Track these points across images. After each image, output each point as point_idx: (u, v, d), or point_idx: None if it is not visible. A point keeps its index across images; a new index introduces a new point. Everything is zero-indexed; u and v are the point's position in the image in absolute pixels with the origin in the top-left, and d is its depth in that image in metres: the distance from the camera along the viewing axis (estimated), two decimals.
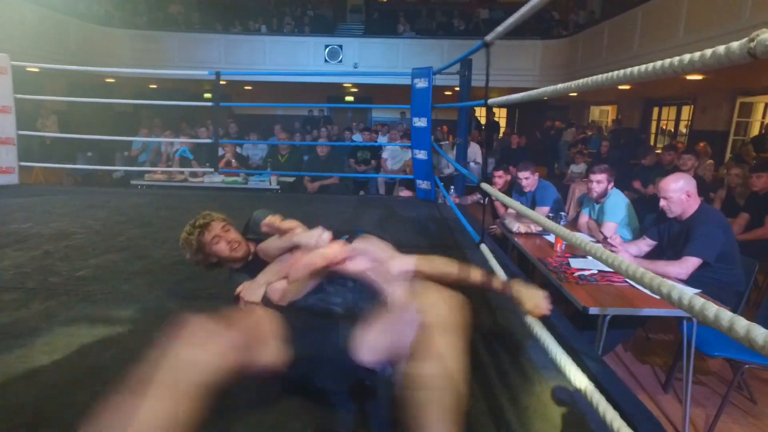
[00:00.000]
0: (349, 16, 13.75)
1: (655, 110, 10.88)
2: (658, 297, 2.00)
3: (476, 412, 1.27)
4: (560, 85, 1.53)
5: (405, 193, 4.89)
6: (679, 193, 2.39)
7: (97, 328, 1.62)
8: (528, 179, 3.69)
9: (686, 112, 10.16)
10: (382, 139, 8.55)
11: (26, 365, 1.37)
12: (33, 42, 7.88)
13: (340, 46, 10.44)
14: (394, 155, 7.04)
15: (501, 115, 15.02)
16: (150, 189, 4.78)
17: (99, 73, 9.77)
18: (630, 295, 2.11)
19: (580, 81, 1.36)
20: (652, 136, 10.76)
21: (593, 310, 1.96)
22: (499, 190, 4.01)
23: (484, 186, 2.29)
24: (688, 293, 0.80)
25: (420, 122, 4.26)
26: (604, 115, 13.40)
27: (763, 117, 8.71)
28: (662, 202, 2.47)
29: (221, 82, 11.73)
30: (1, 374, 1.32)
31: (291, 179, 5.33)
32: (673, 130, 10.49)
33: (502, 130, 12.93)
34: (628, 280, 2.27)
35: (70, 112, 9.13)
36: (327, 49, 10.33)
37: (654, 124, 10.98)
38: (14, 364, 1.38)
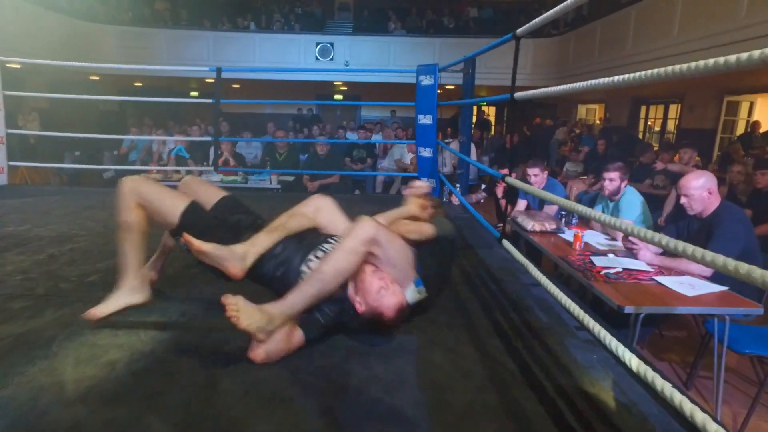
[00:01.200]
0: (337, 14, 13.63)
1: (643, 109, 11.02)
2: (690, 294, 1.97)
3: (535, 416, 1.22)
4: (584, 83, 1.51)
5: (407, 191, 4.81)
6: (700, 190, 2.37)
7: (119, 337, 1.53)
8: (537, 176, 3.67)
9: (674, 110, 10.31)
10: (376, 138, 8.49)
11: (52, 378, 1.27)
12: (13, 37, 7.61)
13: (331, 44, 10.34)
14: (394, 154, 6.96)
15: (490, 113, 15.06)
16: None
17: (84, 69, 9.50)
18: (661, 294, 2.09)
19: (607, 79, 1.35)
20: (640, 135, 10.90)
21: (628, 309, 1.92)
22: (504, 189, 3.98)
23: (509, 179, 2.24)
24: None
25: (425, 120, 4.21)
26: (591, 113, 13.53)
27: (749, 115, 8.89)
28: (683, 200, 2.45)
29: (209, 80, 11.53)
30: (27, 389, 1.22)
31: (290, 178, 5.23)
32: (660, 128, 10.63)
33: (492, 128, 12.97)
34: (655, 278, 2.25)
35: (52, 110, 8.86)
36: (318, 47, 10.21)
37: (642, 122, 11.13)
38: (39, 377, 1.27)
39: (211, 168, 4.48)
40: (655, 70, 1.16)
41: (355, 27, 12.05)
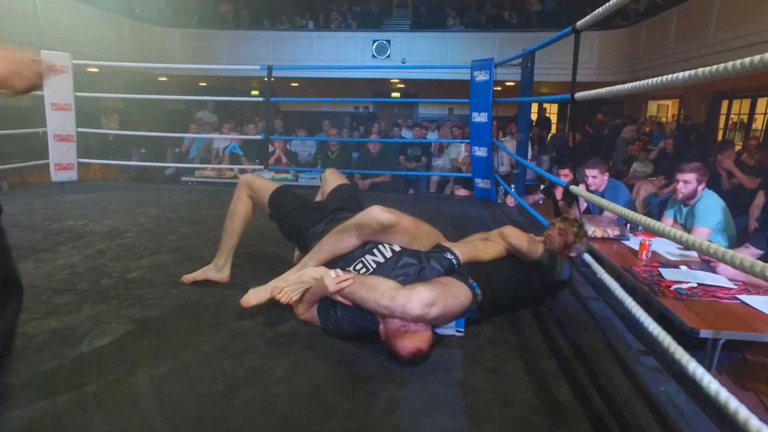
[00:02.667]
0: (395, 11, 13.53)
1: (725, 103, 10.06)
2: None
3: None
4: (661, 77, 1.29)
5: (461, 192, 4.64)
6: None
7: (146, 338, 1.49)
8: (596, 178, 3.36)
9: (762, 104, 9.35)
10: (431, 136, 8.30)
11: (76, 380, 1.25)
12: (92, 42, 8.13)
13: (388, 41, 10.25)
14: (450, 153, 6.76)
15: (552, 111, 14.41)
16: (200, 185, 4.75)
17: (153, 71, 10.01)
18: (745, 315, 1.80)
19: (687, 73, 1.13)
20: (720, 132, 9.97)
21: (705, 333, 1.66)
22: (563, 190, 3.70)
23: (573, 188, 2.03)
24: None
25: (480, 117, 4.01)
26: (663, 110, 12.58)
27: None
28: None
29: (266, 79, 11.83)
30: (47, 391, 1.20)
31: (344, 176, 5.18)
32: (746, 124, 9.67)
33: (553, 126, 12.39)
34: (738, 297, 1.95)
35: (127, 110, 9.40)
36: (375, 44, 10.17)
37: (723, 118, 10.17)
38: (62, 377, 1.25)
39: (262, 167, 4.51)
40: (747, 60, 0.95)
41: (414, 24, 11.88)
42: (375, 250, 1.62)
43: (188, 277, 1.94)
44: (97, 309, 1.69)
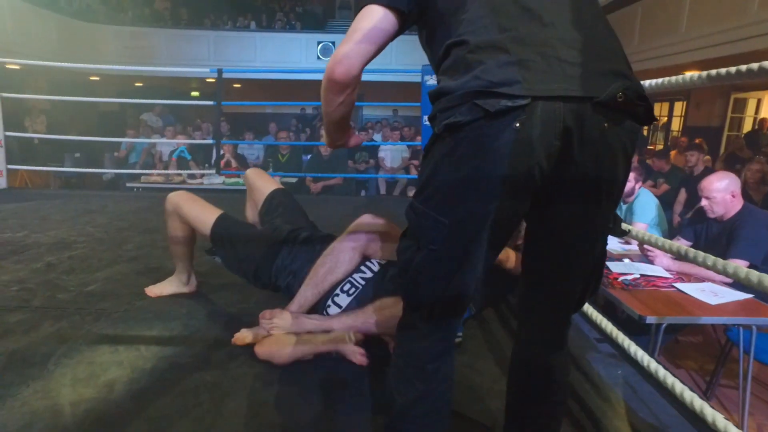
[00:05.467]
0: (338, 12, 13.54)
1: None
2: (714, 302, 1.89)
3: None
4: None
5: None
6: (723, 192, 2.29)
7: (119, 353, 1.45)
8: None
9: (679, 107, 10.20)
10: (376, 137, 8.39)
11: (48, 401, 1.20)
12: (11, 38, 7.54)
13: (333, 43, 10.25)
14: (393, 153, 6.91)
15: None
16: (147, 192, 4.56)
17: (84, 70, 9.43)
18: (682, 301, 2.00)
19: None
20: (645, 131, 10.79)
21: (650, 319, 1.84)
22: None
23: None
24: None
25: None
26: None
27: (756, 112, 8.77)
28: (704, 202, 2.37)
29: (210, 80, 11.44)
30: (20, 414, 1.14)
31: (293, 179, 5.15)
32: (666, 126, 10.52)
33: None
34: (675, 285, 2.16)
35: (53, 111, 8.80)
36: (320, 46, 10.13)
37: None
38: (33, 400, 1.20)
39: (213, 170, 4.40)
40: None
41: None
42: (362, 267, 1.54)
43: (154, 291, 1.87)
44: (57, 326, 1.61)
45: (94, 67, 5.30)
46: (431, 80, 4.05)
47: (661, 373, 1.29)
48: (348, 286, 1.49)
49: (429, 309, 0.80)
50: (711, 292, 2.09)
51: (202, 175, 4.81)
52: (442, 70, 0.77)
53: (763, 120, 7.87)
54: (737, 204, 2.32)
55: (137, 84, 11.56)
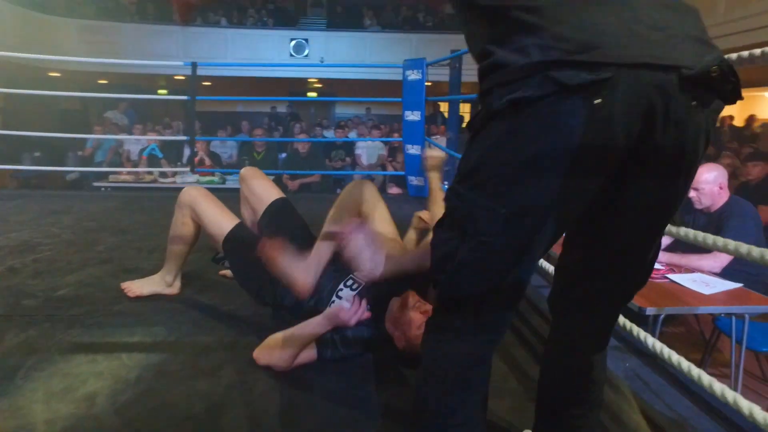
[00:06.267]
0: (310, 9, 13.35)
1: None
2: (707, 292, 1.90)
3: None
4: None
5: (394, 190, 4.68)
6: (712, 184, 2.30)
7: (98, 363, 1.32)
8: None
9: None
10: (352, 134, 8.30)
11: (17, 421, 1.07)
12: None
13: (306, 40, 10.09)
14: (369, 151, 6.84)
15: (465, 110, 15.04)
16: (116, 191, 4.33)
17: (43, 65, 8.97)
18: (677, 292, 1.99)
19: None
20: None
21: (650, 311, 1.82)
22: None
23: None
24: None
25: (413, 116, 4.06)
26: None
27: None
28: (692, 193, 2.38)
29: (178, 77, 11.07)
30: None
31: (270, 178, 5.00)
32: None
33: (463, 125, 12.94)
34: (668, 276, 2.16)
35: (8, 109, 8.34)
36: (292, 43, 9.95)
37: None
38: (0, 421, 1.07)
39: (187, 168, 4.21)
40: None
41: (329, 23, 11.80)
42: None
43: (133, 290, 1.74)
44: (25, 335, 1.46)
45: (54, 58, 4.96)
46: (413, 75, 3.99)
47: (685, 365, 1.26)
48: (351, 281, 1.47)
49: (475, 309, 0.72)
50: (702, 283, 2.09)
51: (175, 174, 4.62)
52: (495, 37, 0.66)
53: (751, 117, 7.97)
54: (724, 196, 2.35)
55: (101, 81, 11.09)
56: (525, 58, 0.60)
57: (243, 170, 1.85)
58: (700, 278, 2.15)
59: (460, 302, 0.73)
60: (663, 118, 0.61)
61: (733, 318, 2.01)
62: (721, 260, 2.27)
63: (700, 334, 2.87)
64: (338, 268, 1.49)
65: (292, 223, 1.70)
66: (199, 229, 1.66)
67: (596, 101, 0.59)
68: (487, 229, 0.67)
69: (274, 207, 1.71)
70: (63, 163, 6.20)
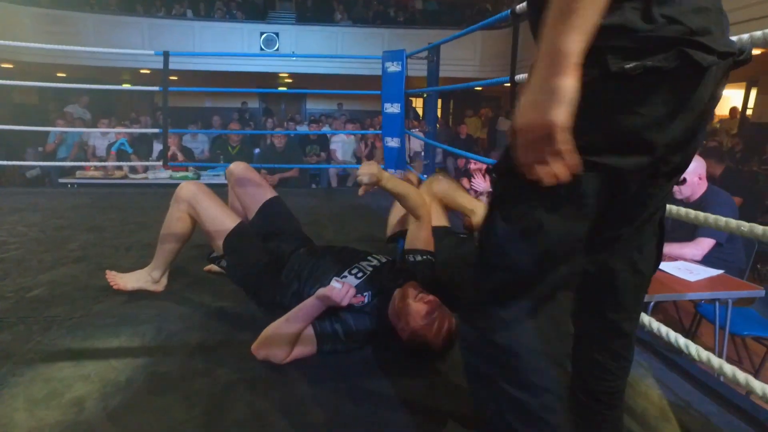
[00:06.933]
0: (279, 3, 13.11)
1: None
2: (692, 279, 1.94)
3: None
4: None
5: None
6: (692, 175, 2.36)
7: (84, 366, 1.23)
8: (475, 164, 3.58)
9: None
10: (325, 130, 8.21)
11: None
12: None
13: (276, 34, 9.90)
14: (345, 146, 6.79)
15: (418, 105, 15.03)
16: (84, 188, 4.13)
17: None
18: (664, 280, 2.03)
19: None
20: None
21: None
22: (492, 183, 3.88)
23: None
24: None
25: (392, 108, 4.02)
26: None
27: None
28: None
29: (143, 71, 10.73)
30: None
31: None
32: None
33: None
34: None
35: None
36: (263, 37, 9.74)
37: None
38: None
39: (159, 163, 4.05)
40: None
41: (299, 17, 11.62)
42: (369, 257, 1.54)
43: (117, 282, 1.66)
44: None
45: (6, 43, 4.54)
46: (393, 67, 3.95)
47: (704, 354, 1.28)
48: (356, 270, 1.46)
49: (551, 288, 0.71)
50: (686, 270, 2.14)
51: (146, 169, 4.43)
52: None
53: (733, 109, 8.10)
54: (703, 186, 2.41)
55: (60, 74, 10.61)
56: (659, 30, 0.61)
57: (233, 165, 1.82)
58: (684, 266, 2.20)
59: (538, 280, 0.71)
60: (712, 101, 0.68)
61: (717, 303, 2.07)
62: (702, 248, 2.33)
63: (679, 321, 2.96)
64: (342, 258, 1.48)
65: (290, 224, 1.76)
66: (195, 225, 1.61)
67: (705, 80, 0.64)
68: (586, 193, 0.66)
69: (267, 206, 1.72)
70: (21, 160, 5.89)
